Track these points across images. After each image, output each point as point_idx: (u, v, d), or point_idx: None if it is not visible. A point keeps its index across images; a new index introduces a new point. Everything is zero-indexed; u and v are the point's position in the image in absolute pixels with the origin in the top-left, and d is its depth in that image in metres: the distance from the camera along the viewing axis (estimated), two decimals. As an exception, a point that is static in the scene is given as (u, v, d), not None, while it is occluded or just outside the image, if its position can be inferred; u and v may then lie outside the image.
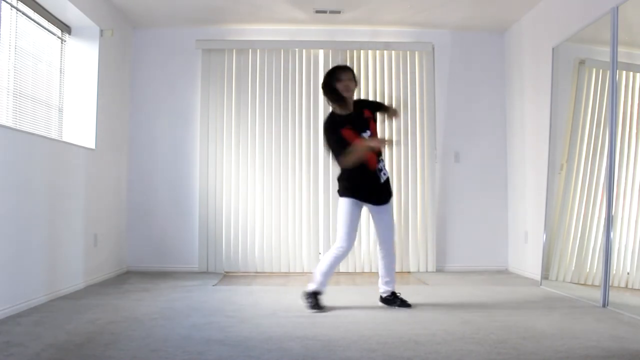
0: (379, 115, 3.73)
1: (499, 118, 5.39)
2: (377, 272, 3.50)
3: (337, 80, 3.36)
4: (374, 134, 3.40)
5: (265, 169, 5.15)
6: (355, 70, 5.17)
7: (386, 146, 3.47)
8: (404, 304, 3.38)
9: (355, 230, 3.37)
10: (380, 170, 3.37)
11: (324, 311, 3.24)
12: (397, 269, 5.17)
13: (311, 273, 5.04)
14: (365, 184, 3.37)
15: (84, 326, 2.82)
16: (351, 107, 3.40)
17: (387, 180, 3.42)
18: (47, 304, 3.43)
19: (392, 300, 3.41)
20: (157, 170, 5.20)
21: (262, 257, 5.11)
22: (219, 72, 5.19)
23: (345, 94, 3.35)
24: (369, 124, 3.39)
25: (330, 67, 3.61)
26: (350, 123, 3.34)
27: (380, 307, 3.40)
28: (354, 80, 3.43)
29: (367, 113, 3.43)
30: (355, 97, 3.52)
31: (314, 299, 3.30)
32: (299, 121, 5.19)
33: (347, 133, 3.31)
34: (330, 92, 3.38)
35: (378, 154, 3.37)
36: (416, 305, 3.39)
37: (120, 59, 4.96)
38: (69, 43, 4.40)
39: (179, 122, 5.23)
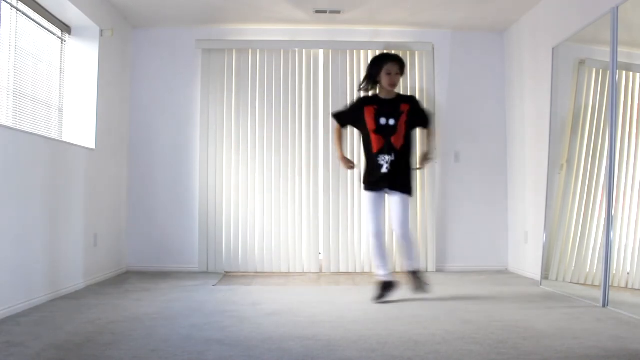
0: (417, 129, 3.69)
1: (499, 118, 5.38)
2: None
3: (385, 73, 3.47)
4: (400, 127, 3.43)
5: (265, 168, 5.15)
6: (355, 71, 5.27)
7: (346, 168, 3.65)
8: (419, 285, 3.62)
9: (380, 215, 3.53)
10: (384, 159, 3.41)
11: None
12: (397, 269, 5.22)
13: (311, 273, 5.10)
14: (368, 168, 3.48)
15: (84, 326, 2.82)
16: (392, 95, 3.52)
17: (395, 172, 3.42)
18: (47, 304, 3.43)
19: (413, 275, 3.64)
20: (157, 170, 5.20)
21: (262, 257, 5.11)
22: (219, 72, 5.19)
23: (388, 88, 3.48)
24: (400, 116, 3.44)
25: (380, 54, 3.67)
26: (379, 104, 3.43)
27: (380, 307, 3.40)
28: (401, 73, 3.51)
29: (403, 107, 3.48)
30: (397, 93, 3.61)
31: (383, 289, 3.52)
32: (299, 121, 5.19)
33: (368, 110, 3.42)
34: (369, 81, 3.51)
35: (388, 142, 3.40)
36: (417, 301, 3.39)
37: (120, 59, 4.96)
38: (69, 43, 4.41)
39: (179, 122, 5.23)
